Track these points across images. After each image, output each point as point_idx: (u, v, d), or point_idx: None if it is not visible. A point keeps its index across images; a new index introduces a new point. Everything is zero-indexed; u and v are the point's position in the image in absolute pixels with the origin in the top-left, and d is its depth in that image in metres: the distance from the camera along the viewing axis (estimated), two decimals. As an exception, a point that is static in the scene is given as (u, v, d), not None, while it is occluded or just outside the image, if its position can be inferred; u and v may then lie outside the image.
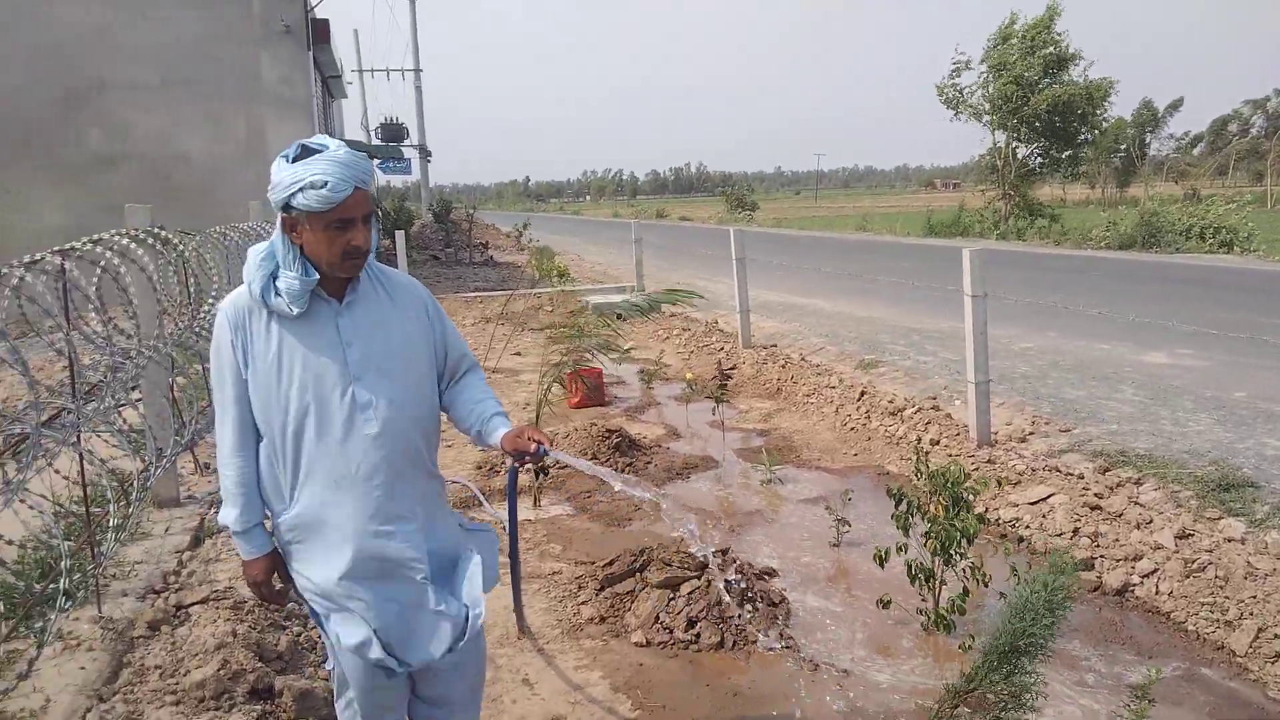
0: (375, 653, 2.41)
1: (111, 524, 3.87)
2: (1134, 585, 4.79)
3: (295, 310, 2.30)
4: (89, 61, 15.45)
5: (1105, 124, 32.12)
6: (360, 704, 2.56)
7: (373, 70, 37.83)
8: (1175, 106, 65.99)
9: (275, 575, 2.53)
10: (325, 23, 18.05)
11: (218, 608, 4.09)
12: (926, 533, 4.38)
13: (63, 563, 3.18)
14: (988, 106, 30.31)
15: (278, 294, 2.31)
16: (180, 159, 16.00)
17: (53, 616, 3.26)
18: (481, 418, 2.56)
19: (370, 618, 2.42)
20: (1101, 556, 5.07)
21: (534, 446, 2.48)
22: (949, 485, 4.28)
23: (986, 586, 4.34)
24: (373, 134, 37.98)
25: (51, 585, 3.30)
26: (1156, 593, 4.69)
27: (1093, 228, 25.55)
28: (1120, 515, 5.32)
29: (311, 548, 2.43)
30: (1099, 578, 4.95)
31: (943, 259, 21.26)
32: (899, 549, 4.41)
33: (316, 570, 2.43)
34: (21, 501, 3.42)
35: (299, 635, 4.04)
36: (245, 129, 16.21)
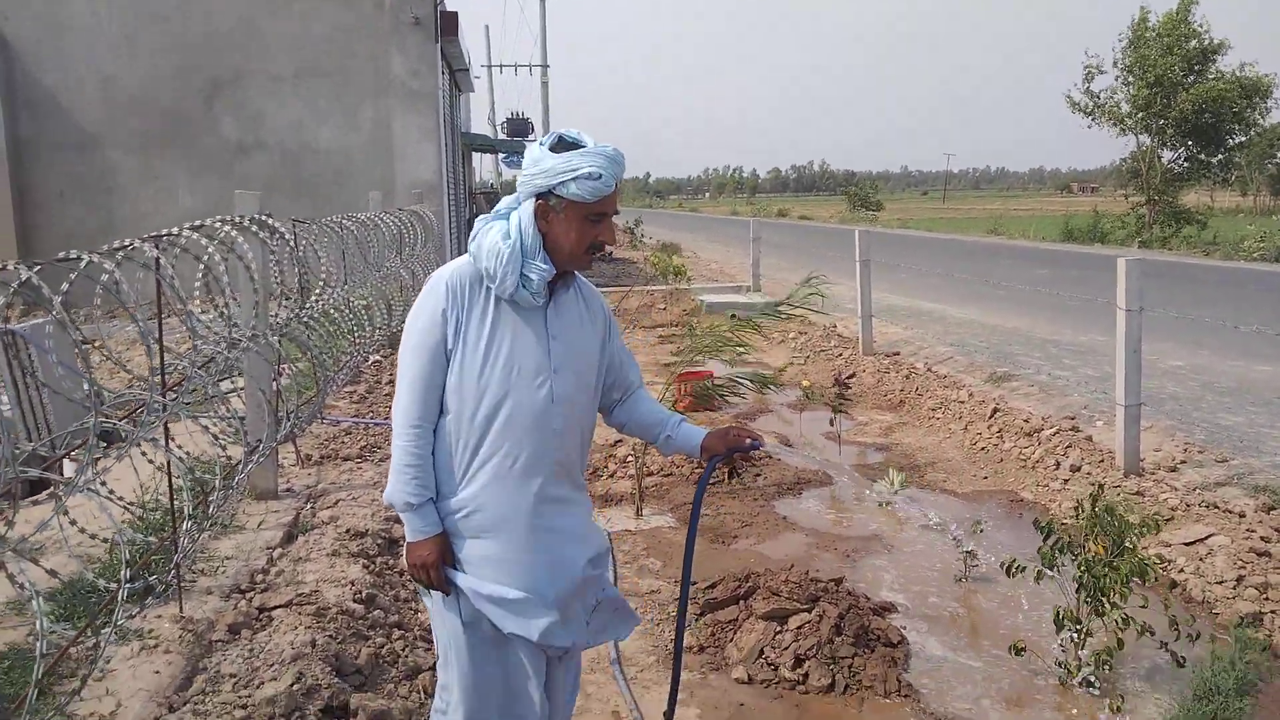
0: (513, 593, 2.35)
1: (185, 524, 3.73)
2: (1315, 650, 4.17)
3: (539, 302, 2.34)
4: (231, 53, 15.93)
5: (1261, 125, 29.56)
6: (468, 685, 2.43)
7: (500, 65, 38.01)
8: (1344, 109, 61.23)
9: (445, 558, 2.40)
10: (454, 15, 18.14)
11: (300, 613, 3.91)
12: (1078, 575, 3.90)
13: (122, 571, 3.02)
14: (1127, 109, 28.46)
15: (525, 286, 2.31)
16: (311, 149, 16.34)
17: (116, 616, 3.11)
18: (671, 423, 2.65)
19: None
20: (1273, 611, 4.45)
21: (748, 441, 2.61)
22: (1116, 526, 3.78)
23: (1153, 635, 3.83)
24: (498, 128, 38.39)
25: (128, 584, 3.15)
26: (1344, 662, 4.06)
27: (1244, 238, 23.72)
28: (1295, 565, 4.68)
29: (478, 534, 2.39)
30: (1269, 636, 4.33)
31: (1081, 266, 20.10)
32: (1037, 578, 3.98)
33: (477, 558, 2.39)
34: (109, 496, 3.31)
35: (381, 648, 3.83)
36: (373, 120, 16.44)
